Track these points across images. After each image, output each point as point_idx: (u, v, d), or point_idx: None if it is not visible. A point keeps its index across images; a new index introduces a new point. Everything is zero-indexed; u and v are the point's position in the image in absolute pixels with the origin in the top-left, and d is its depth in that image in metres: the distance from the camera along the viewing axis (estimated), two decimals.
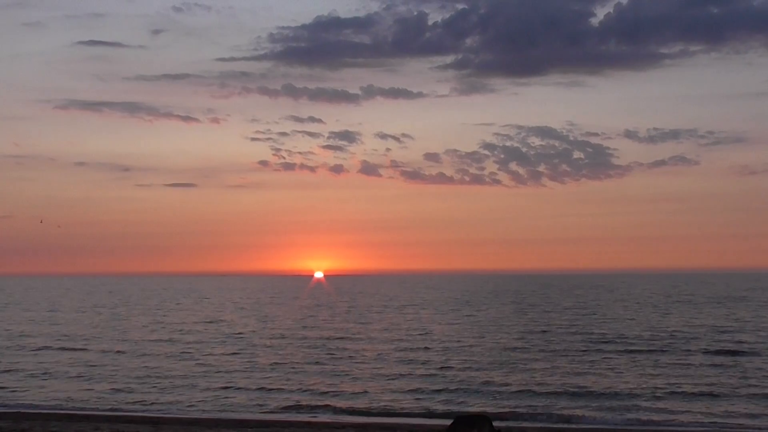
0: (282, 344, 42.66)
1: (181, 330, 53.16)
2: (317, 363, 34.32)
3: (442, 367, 31.75)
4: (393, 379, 29.19)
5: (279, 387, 27.95)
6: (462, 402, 24.70)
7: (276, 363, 34.55)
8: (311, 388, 27.77)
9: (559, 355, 35.72)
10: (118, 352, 39.55)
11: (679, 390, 26.57)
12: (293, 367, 32.77)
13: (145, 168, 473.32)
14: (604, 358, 35.15)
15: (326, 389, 27.40)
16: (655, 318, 59.46)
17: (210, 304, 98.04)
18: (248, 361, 35.29)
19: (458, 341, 41.85)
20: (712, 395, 25.71)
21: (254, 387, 28.11)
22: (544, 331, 46.57)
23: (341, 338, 45.14)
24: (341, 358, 36.12)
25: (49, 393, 27.54)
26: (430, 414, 22.55)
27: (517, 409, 23.29)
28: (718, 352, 35.97)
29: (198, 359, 36.05)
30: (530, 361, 33.73)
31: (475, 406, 23.89)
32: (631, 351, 37.20)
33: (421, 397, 25.81)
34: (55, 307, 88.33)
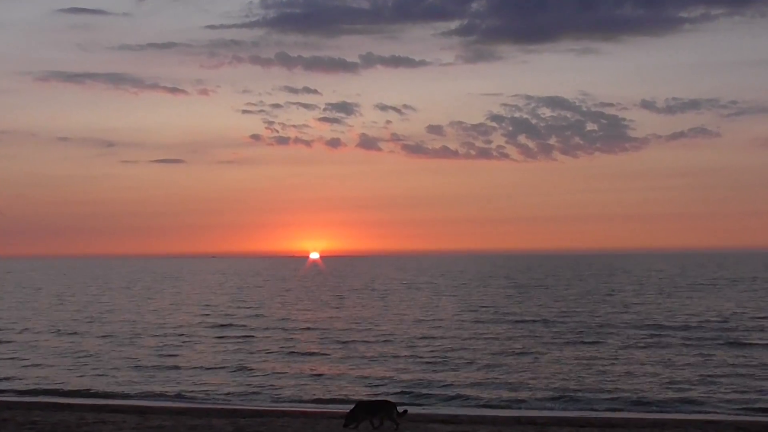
0: (272, 330, 43.11)
1: (161, 315, 53.68)
2: (312, 353, 34.24)
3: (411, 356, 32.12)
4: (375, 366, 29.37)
5: (270, 375, 28.43)
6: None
7: (268, 350, 34.93)
8: (305, 376, 28.17)
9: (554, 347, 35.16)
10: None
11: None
12: (283, 356, 33.24)
13: (131, 143, 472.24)
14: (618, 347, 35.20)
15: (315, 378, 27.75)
16: (675, 304, 59.36)
17: (194, 287, 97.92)
18: (238, 350, 35.60)
19: (452, 332, 41.40)
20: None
21: (245, 375, 28.52)
22: (543, 320, 46.19)
23: (341, 327, 45.09)
24: (336, 345, 36.29)
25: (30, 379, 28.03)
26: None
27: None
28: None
29: (180, 346, 36.43)
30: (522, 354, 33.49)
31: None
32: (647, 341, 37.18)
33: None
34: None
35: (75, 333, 42.30)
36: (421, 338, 37.78)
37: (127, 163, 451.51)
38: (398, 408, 17.08)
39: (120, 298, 75.61)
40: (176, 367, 29.91)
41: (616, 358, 31.13)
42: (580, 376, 27.24)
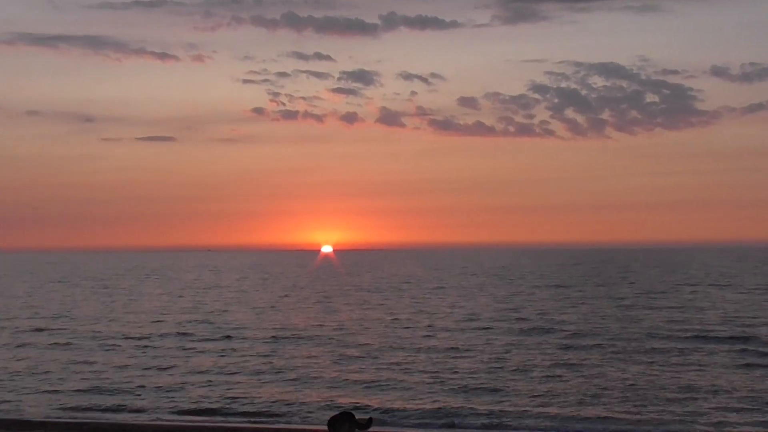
0: (277, 337, 43.11)
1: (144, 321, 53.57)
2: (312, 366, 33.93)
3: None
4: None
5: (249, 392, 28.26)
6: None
7: (265, 360, 34.99)
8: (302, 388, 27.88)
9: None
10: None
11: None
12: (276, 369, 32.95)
13: (113, 118, 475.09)
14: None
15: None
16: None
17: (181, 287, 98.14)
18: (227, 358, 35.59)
19: (489, 344, 40.94)
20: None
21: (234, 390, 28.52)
22: (596, 328, 45.65)
23: (338, 330, 44.99)
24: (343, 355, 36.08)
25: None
26: None
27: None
28: None
29: (162, 356, 36.67)
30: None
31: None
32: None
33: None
34: None
35: None
36: (448, 359, 36.12)
37: (109, 142, 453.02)
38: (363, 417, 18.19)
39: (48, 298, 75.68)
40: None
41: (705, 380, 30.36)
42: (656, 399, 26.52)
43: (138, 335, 43.70)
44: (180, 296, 77.22)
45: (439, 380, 29.47)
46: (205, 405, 25.98)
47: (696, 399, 25.95)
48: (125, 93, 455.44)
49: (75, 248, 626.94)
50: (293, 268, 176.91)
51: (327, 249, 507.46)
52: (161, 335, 43.67)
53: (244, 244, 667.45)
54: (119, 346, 39.66)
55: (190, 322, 50.83)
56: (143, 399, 26.93)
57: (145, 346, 39.34)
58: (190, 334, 43.82)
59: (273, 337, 42.69)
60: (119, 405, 26.02)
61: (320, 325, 48.67)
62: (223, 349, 38.03)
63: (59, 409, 25.73)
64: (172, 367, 33.17)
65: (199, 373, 31.73)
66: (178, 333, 44.49)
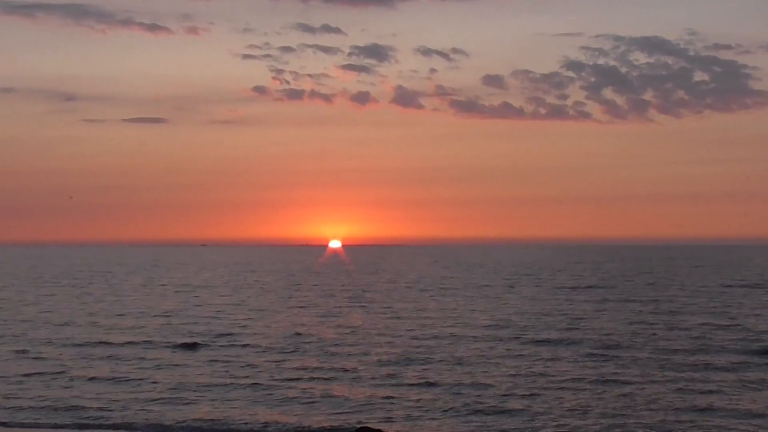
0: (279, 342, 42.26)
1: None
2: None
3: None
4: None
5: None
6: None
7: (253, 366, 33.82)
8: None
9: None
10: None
11: None
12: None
13: (96, 97, 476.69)
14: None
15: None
16: None
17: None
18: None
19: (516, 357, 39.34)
20: None
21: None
22: (643, 336, 44.40)
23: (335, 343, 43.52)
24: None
25: None
26: None
27: None
28: None
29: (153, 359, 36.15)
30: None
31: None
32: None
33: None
34: None
35: None
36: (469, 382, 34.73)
37: (92, 123, 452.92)
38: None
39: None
40: None
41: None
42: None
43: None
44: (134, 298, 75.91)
45: (460, 396, 28.79)
46: None
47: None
48: (111, 69, 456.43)
49: (53, 242, 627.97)
50: (295, 265, 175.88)
51: (335, 244, 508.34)
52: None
53: (244, 238, 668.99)
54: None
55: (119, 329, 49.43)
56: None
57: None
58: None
59: (246, 345, 41.34)
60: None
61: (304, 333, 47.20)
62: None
63: None
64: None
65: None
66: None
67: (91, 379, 32.35)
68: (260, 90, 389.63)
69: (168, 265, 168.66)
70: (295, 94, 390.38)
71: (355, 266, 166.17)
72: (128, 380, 32.05)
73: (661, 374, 32.52)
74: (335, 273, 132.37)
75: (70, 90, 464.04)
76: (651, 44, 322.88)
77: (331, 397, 28.77)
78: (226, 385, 30.94)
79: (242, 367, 34.81)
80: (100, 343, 42.53)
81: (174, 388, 30.29)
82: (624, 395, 28.52)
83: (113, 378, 32.51)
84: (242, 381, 31.56)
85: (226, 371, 33.82)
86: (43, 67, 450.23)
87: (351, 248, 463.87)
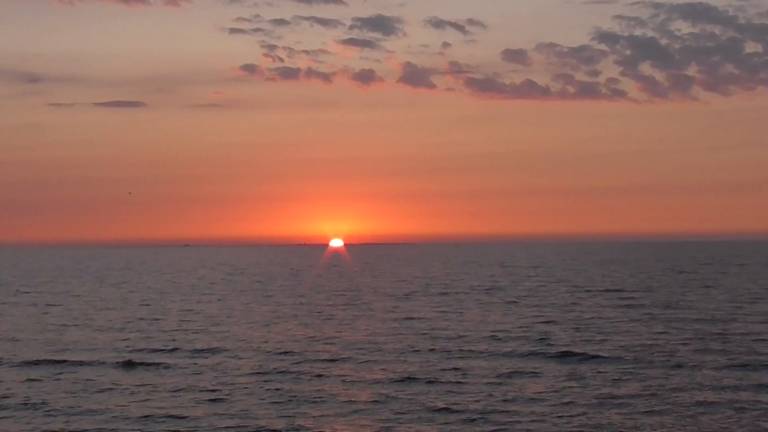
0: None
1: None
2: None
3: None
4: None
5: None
6: None
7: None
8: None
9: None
10: None
11: None
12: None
13: (64, 78, 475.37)
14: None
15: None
16: None
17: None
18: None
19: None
20: None
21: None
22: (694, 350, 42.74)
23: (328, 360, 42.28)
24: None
25: None
26: None
27: None
28: None
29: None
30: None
31: None
32: None
33: None
34: None
35: None
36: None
37: (59, 108, 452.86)
38: None
39: None
40: None
41: None
42: None
43: None
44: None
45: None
46: None
47: None
48: (79, 46, 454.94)
49: (15, 243, 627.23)
50: (286, 269, 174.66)
51: (337, 243, 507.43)
52: None
53: (232, 237, 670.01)
54: None
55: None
56: None
57: None
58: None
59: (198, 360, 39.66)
60: None
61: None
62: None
63: None
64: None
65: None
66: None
67: None
68: (250, 69, 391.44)
69: (140, 270, 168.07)
70: (289, 73, 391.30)
71: (359, 268, 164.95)
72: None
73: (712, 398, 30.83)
74: (336, 277, 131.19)
75: (33, 70, 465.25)
76: (695, 11, 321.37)
77: None
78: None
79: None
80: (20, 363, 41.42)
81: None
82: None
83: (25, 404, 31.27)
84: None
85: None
86: (3, 45, 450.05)
87: (354, 247, 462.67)
